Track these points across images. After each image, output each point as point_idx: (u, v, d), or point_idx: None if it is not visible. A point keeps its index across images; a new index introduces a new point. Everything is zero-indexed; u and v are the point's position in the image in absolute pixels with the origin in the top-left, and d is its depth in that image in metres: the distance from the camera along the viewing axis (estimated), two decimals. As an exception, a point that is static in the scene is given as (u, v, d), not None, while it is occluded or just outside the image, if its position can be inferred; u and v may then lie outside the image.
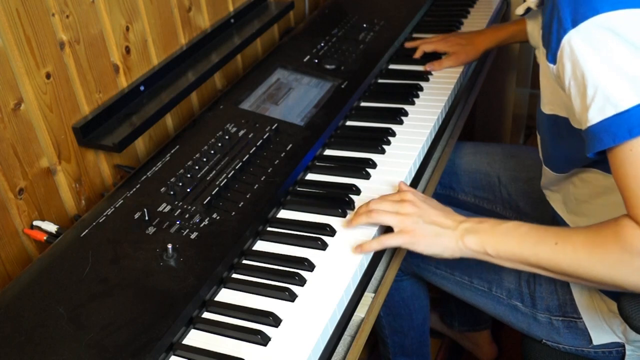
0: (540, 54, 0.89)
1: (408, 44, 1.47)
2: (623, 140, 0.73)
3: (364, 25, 1.51)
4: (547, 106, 0.95)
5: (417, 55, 1.43)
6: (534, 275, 1.08)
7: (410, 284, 1.38)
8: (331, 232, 0.93)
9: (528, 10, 1.01)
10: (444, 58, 1.38)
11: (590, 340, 1.03)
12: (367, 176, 1.06)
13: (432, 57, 1.41)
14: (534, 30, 1.07)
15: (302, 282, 0.85)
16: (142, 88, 1.17)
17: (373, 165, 1.08)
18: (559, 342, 1.07)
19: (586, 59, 0.75)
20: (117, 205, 0.95)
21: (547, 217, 1.19)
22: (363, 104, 1.30)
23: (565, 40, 0.77)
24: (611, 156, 0.76)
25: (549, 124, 0.96)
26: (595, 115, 0.75)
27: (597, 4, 0.74)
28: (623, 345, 1.01)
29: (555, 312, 1.06)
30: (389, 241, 0.89)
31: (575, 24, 0.76)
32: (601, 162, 0.89)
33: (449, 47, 1.39)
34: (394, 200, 0.92)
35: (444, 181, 1.42)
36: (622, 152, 0.74)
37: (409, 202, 0.91)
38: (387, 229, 0.94)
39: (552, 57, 0.81)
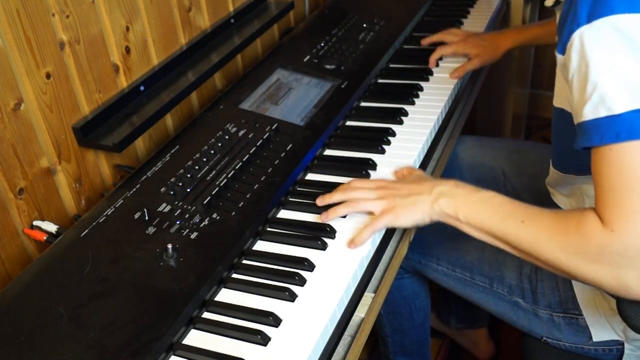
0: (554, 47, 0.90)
1: (425, 41, 1.43)
2: (609, 142, 0.74)
3: (364, 25, 1.51)
4: (557, 99, 0.96)
5: (432, 61, 1.38)
6: (536, 272, 1.08)
7: (411, 282, 1.38)
8: (331, 232, 0.93)
9: (557, 2, 0.98)
10: (467, 62, 1.35)
11: (591, 337, 1.03)
12: (367, 176, 1.06)
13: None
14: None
15: (302, 282, 0.85)
16: (142, 88, 1.17)
17: (373, 165, 1.08)
18: (560, 338, 1.08)
19: (593, 55, 0.76)
20: (117, 205, 0.95)
21: None
22: (363, 104, 1.30)
23: (576, 34, 0.77)
24: (594, 152, 0.77)
25: (556, 118, 0.98)
26: (589, 112, 0.76)
27: (614, 4, 0.74)
28: (622, 344, 1.01)
29: (557, 308, 1.06)
30: (375, 226, 0.91)
31: (590, 20, 0.76)
32: None
33: (469, 48, 1.37)
34: (369, 188, 0.95)
35: (446, 175, 1.42)
36: (604, 151, 0.75)
37: (382, 187, 0.95)
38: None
39: (562, 48, 0.82)
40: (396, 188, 0.94)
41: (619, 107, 0.73)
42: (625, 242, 0.72)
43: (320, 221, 0.95)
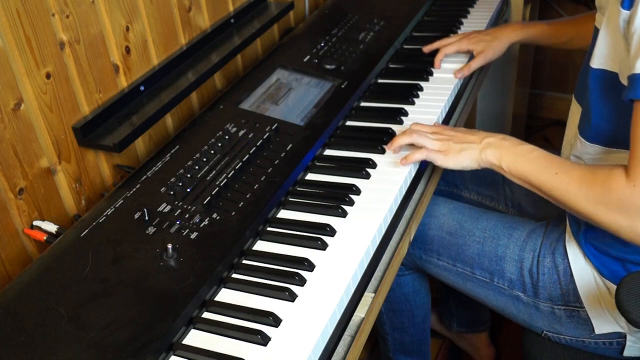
0: (611, 4, 0.91)
1: (426, 48, 1.42)
2: None
3: (364, 25, 1.51)
4: (598, 60, 0.97)
5: (438, 62, 1.37)
6: (537, 266, 1.08)
7: (412, 279, 1.39)
8: (331, 232, 0.93)
9: None
10: (472, 61, 1.35)
11: (592, 330, 1.03)
12: (367, 176, 1.06)
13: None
14: None
15: (302, 282, 0.85)
16: (142, 88, 1.17)
17: (373, 165, 1.08)
18: (560, 332, 1.08)
19: None
20: (117, 205, 0.95)
21: (549, 216, 1.19)
22: (363, 104, 1.30)
23: None
24: (638, 107, 0.81)
25: (594, 79, 0.98)
26: None
27: None
28: (624, 336, 1.01)
29: (558, 301, 1.06)
30: (427, 154, 1.04)
31: None
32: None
33: (472, 44, 1.37)
34: (427, 131, 1.08)
35: (447, 178, 1.42)
36: None
37: (438, 132, 1.07)
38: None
39: (629, 2, 0.84)
40: (451, 135, 1.05)
41: None
42: None
43: (387, 148, 1.09)
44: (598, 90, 0.97)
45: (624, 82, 0.87)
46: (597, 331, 1.03)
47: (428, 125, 1.10)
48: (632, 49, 0.81)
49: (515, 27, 1.39)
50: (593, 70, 0.97)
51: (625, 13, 0.85)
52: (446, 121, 1.26)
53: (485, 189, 1.39)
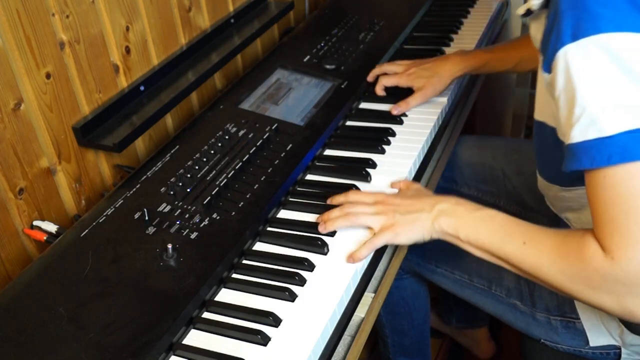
0: (539, 61, 0.86)
1: (370, 77, 1.33)
2: (600, 166, 0.71)
3: (364, 25, 1.51)
4: (538, 113, 0.94)
5: (378, 91, 1.29)
6: None
7: (411, 283, 1.39)
8: (331, 232, 0.93)
9: (529, 12, 0.92)
10: (410, 97, 1.25)
11: (588, 341, 1.03)
12: (367, 176, 1.06)
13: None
14: (537, 33, 0.97)
15: (302, 282, 0.85)
16: (142, 88, 1.17)
17: (373, 165, 1.08)
18: (557, 341, 1.08)
19: (580, 76, 0.73)
20: (117, 205, 0.95)
21: (552, 211, 1.18)
22: (363, 104, 1.30)
23: (561, 52, 0.74)
24: (587, 176, 0.74)
25: (538, 130, 0.96)
26: (578, 134, 0.73)
27: (600, 23, 0.71)
28: (619, 348, 1.01)
29: (554, 311, 1.06)
30: (375, 242, 0.90)
31: (574, 38, 0.73)
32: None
33: (412, 81, 1.27)
34: (367, 203, 0.94)
35: (446, 174, 1.42)
36: (597, 176, 0.72)
37: (380, 202, 0.94)
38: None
39: (547, 66, 0.79)
40: (395, 203, 0.93)
41: (610, 128, 0.70)
42: (626, 270, 0.70)
43: (320, 231, 0.93)
44: (541, 139, 0.95)
45: (561, 137, 0.82)
46: (592, 343, 1.03)
47: (367, 194, 0.97)
48: (562, 118, 0.76)
49: (455, 60, 1.28)
50: (535, 121, 0.94)
51: (547, 76, 0.79)
52: (446, 121, 1.26)
53: (485, 184, 1.39)
